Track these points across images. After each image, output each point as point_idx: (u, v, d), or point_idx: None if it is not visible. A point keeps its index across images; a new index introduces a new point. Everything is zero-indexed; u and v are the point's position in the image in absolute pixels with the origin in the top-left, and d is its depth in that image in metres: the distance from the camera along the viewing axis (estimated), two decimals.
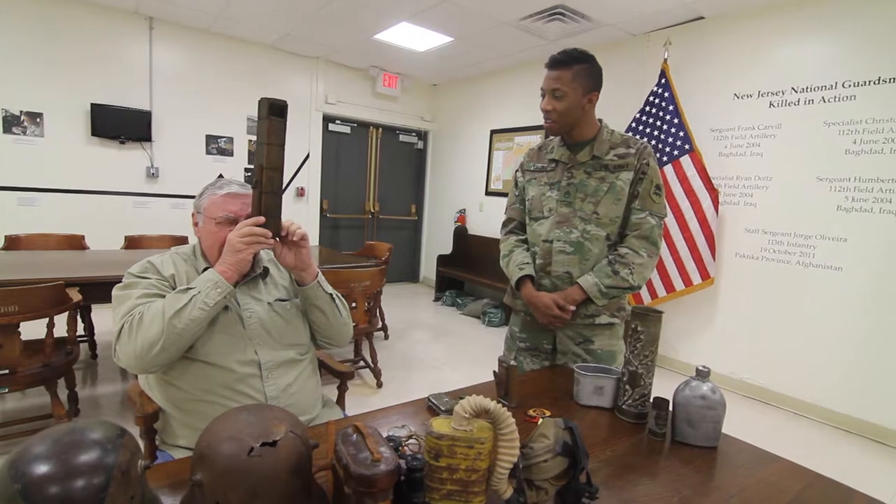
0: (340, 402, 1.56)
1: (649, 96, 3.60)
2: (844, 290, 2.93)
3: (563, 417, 1.17)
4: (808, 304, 3.08)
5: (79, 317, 3.04)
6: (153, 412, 1.19)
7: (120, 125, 4.36)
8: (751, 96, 3.32)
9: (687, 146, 3.44)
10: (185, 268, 1.26)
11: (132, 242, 3.51)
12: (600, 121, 1.61)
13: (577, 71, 1.49)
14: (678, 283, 3.53)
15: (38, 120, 4.06)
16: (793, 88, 3.12)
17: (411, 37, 4.46)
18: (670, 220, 3.49)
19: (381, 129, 6.20)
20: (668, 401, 1.12)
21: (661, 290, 3.59)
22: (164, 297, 1.13)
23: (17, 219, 3.95)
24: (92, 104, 4.22)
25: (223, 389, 1.18)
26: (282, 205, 1.17)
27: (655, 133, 3.55)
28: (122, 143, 4.43)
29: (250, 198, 1.23)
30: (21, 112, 3.99)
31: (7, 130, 3.95)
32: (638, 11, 3.53)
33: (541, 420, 1.17)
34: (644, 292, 3.65)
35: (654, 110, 3.57)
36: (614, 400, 1.26)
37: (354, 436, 0.74)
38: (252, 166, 5.18)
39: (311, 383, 1.35)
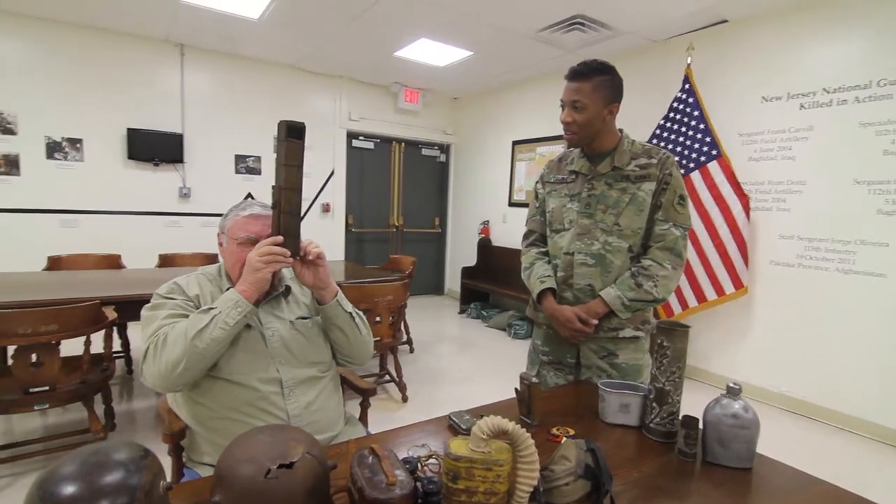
0: (363, 418, 1.56)
1: (673, 102, 3.53)
2: (888, 297, 2.78)
3: (587, 437, 1.14)
4: (849, 312, 2.94)
5: (115, 333, 3.15)
6: (180, 430, 1.22)
7: (154, 148, 4.55)
8: (780, 99, 3.22)
9: (714, 152, 3.36)
10: (210, 288, 1.29)
11: (165, 261, 3.63)
12: (621, 131, 1.59)
13: (597, 83, 1.48)
14: (710, 293, 3.42)
15: (78, 145, 4.27)
16: (824, 89, 3.01)
17: (431, 52, 4.52)
18: (699, 228, 3.40)
19: (403, 144, 6.27)
20: (697, 419, 1.08)
21: (691, 301, 3.49)
22: (188, 316, 1.16)
23: (59, 240, 4.14)
24: (128, 129, 4.41)
25: (246, 407, 1.19)
26: (300, 224, 1.19)
27: (681, 140, 3.48)
28: (156, 164, 4.61)
29: (269, 221, 1.26)
30: (62, 138, 4.21)
31: (50, 156, 4.17)
32: (659, 18, 3.49)
33: (564, 440, 1.15)
34: (674, 303, 3.55)
35: (678, 116, 3.50)
36: (641, 418, 1.22)
37: (370, 458, 0.74)
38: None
39: (334, 401, 1.36)
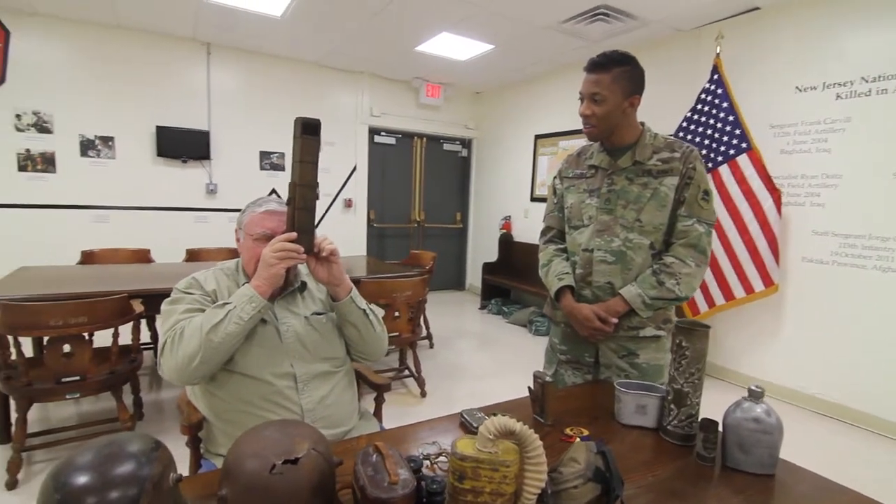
0: (378, 414, 1.57)
1: (701, 94, 3.42)
2: None
3: (602, 438, 1.12)
4: (887, 312, 2.80)
5: (144, 325, 3.25)
6: (197, 421, 1.25)
7: (182, 145, 4.66)
8: (815, 89, 3.08)
9: (744, 144, 3.24)
10: (227, 283, 1.31)
11: (192, 255, 3.72)
12: (642, 124, 1.54)
13: (616, 74, 1.43)
14: (738, 291, 3.31)
15: (110, 143, 4.41)
16: (863, 78, 2.86)
17: (452, 46, 4.49)
18: (728, 224, 3.29)
19: (425, 139, 6.26)
20: (716, 423, 1.04)
21: (718, 298, 3.38)
22: (204, 311, 1.18)
23: (92, 235, 4.29)
24: (157, 127, 4.53)
25: (261, 401, 1.21)
26: (315, 221, 1.20)
27: (709, 132, 3.36)
28: (184, 161, 4.73)
29: (285, 216, 1.28)
30: (95, 136, 4.35)
31: (84, 154, 4.32)
32: (686, 6, 3.38)
33: (577, 440, 1.13)
34: (700, 301, 3.45)
35: (706, 108, 3.38)
36: (659, 420, 1.18)
37: (374, 456, 0.73)
38: None
39: (347, 395, 1.36)
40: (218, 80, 4.84)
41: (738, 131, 3.25)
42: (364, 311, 1.35)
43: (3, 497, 1.96)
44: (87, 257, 3.41)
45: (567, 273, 1.60)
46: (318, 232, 1.24)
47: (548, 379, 1.19)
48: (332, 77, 5.45)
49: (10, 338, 1.96)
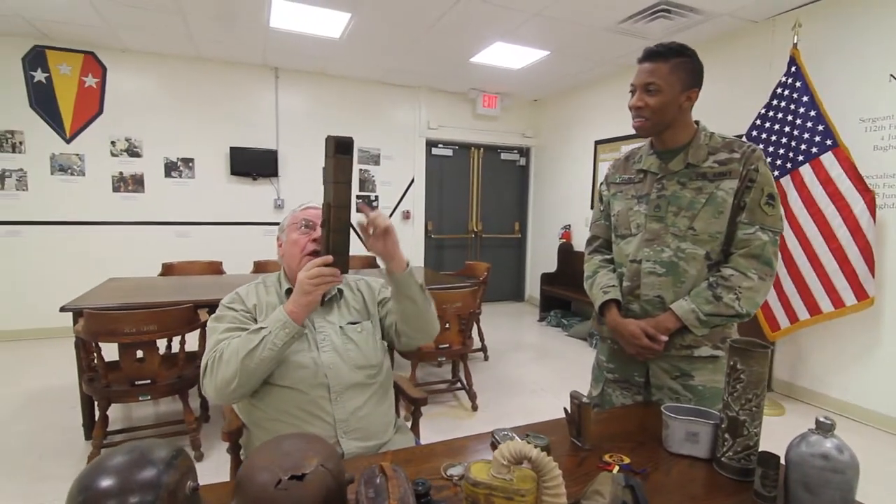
0: (415, 428, 1.55)
1: (777, 88, 3.13)
2: None
3: (645, 468, 1.03)
4: None
5: None
6: (237, 429, 1.29)
7: (252, 164, 4.98)
8: None
9: (829, 141, 2.92)
10: (267, 298, 1.35)
11: (259, 267, 3.94)
12: (697, 123, 1.42)
13: (675, 64, 1.32)
14: (825, 305, 2.96)
15: (190, 164, 4.80)
16: None
17: (506, 55, 4.46)
18: (811, 230, 2.97)
19: (482, 150, 6.25)
20: (777, 457, 0.92)
21: (802, 313, 3.05)
22: (243, 331, 1.22)
23: (174, 249, 4.67)
24: (230, 147, 4.88)
25: (296, 410, 1.23)
26: (349, 241, 1.19)
27: (787, 129, 3.07)
28: (255, 178, 5.05)
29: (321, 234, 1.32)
30: (178, 159, 4.76)
31: (168, 175, 4.74)
32: None
33: (616, 468, 1.04)
34: (780, 315, 3.12)
35: (783, 104, 3.09)
36: (712, 450, 1.07)
37: (378, 478, 0.71)
38: (362, 195, 5.58)
39: (383, 407, 1.36)
40: (285, 102, 5.14)
41: (821, 127, 2.94)
42: (421, 285, 1.34)
43: None
44: (168, 269, 3.71)
45: (613, 286, 1.50)
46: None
47: (584, 400, 1.11)
48: (391, 93, 5.60)
49: (93, 343, 2.15)
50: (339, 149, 1.07)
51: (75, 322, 2.26)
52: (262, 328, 1.18)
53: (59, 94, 4.32)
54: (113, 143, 4.53)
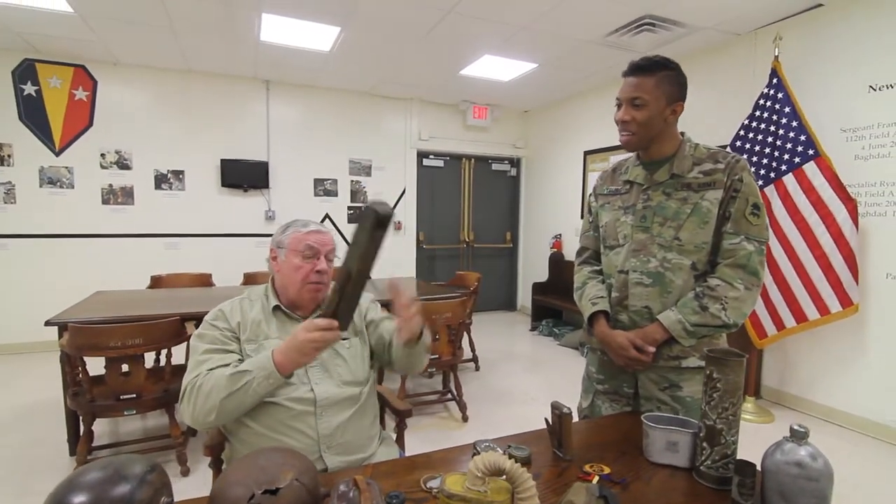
0: (400, 440, 1.54)
1: (759, 99, 3.19)
2: None
3: (624, 478, 1.03)
4: None
5: None
6: (220, 443, 1.28)
7: (243, 175, 4.98)
8: (892, 87, 2.78)
9: (811, 151, 2.97)
10: (252, 314, 1.33)
11: (249, 279, 3.92)
12: (682, 134, 1.44)
13: (660, 77, 1.34)
14: (811, 312, 2.99)
15: (180, 176, 4.80)
16: None
17: (495, 68, 4.52)
18: (796, 239, 3.01)
19: (473, 160, 6.30)
20: (753, 465, 0.93)
21: (788, 320, 3.08)
22: (225, 352, 1.23)
23: (163, 261, 4.65)
24: (221, 159, 4.88)
25: (279, 425, 1.22)
26: (357, 305, 1.16)
27: (770, 140, 3.12)
28: (245, 190, 5.05)
29: (329, 236, 1.36)
30: (168, 171, 4.75)
31: (158, 187, 4.73)
32: (739, 8, 3.19)
33: (596, 478, 1.05)
34: (767, 323, 3.15)
35: (766, 115, 3.14)
36: (692, 459, 1.08)
37: (351, 492, 0.71)
38: (355, 205, 5.59)
39: (366, 421, 1.36)
40: (276, 114, 5.16)
41: (803, 137, 2.99)
42: (427, 346, 1.37)
43: None
44: (156, 282, 3.69)
45: (601, 297, 1.50)
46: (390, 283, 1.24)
47: (565, 410, 1.12)
48: (382, 105, 5.64)
49: (78, 357, 2.13)
50: (379, 222, 0.99)
51: (60, 336, 2.24)
52: (246, 371, 1.15)
53: (48, 107, 4.32)
54: (103, 155, 4.52)
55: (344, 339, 1.37)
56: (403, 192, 5.83)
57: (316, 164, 5.38)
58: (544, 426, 1.24)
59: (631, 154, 1.53)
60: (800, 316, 3.04)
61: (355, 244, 1.02)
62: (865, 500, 2.22)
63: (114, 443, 2.53)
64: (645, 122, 1.35)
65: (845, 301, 2.87)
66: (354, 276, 1.05)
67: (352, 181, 5.56)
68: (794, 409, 3.25)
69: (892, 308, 2.81)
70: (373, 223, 0.98)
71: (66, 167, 4.41)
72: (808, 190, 2.97)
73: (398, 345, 1.34)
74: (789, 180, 3.04)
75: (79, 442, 2.21)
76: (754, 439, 2.42)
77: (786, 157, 3.05)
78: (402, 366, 1.41)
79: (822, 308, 2.94)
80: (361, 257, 1.02)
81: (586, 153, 5.34)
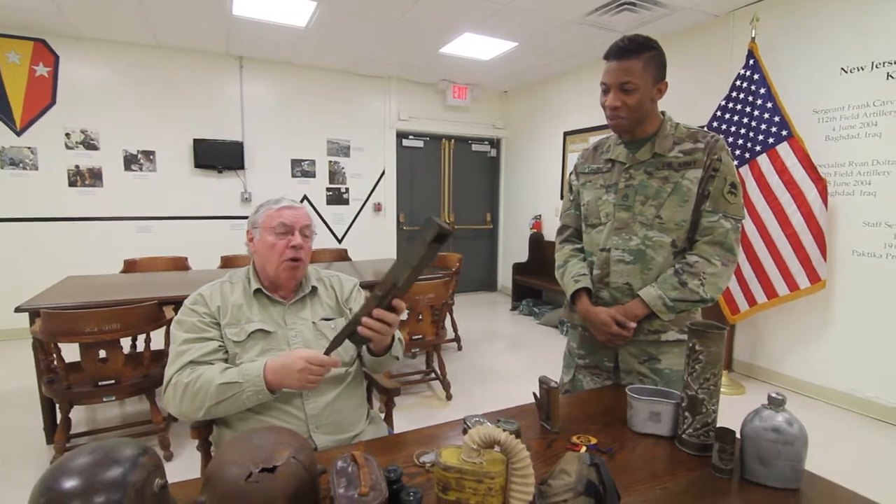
0: (388, 418, 1.56)
1: (736, 81, 3.24)
2: None
3: (610, 447, 1.07)
4: None
5: None
6: (207, 425, 1.27)
7: (217, 156, 4.84)
8: (863, 69, 2.86)
9: (784, 132, 3.04)
10: (233, 297, 1.31)
11: (227, 262, 3.85)
12: (663, 113, 1.45)
13: (647, 59, 1.33)
14: (781, 288, 3.11)
15: (151, 157, 4.64)
16: None
17: (476, 46, 4.46)
18: (768, 217, 3.10)
19: (453, 141, 6.25)
20: (733, 432, 0.97)
21: (760, 296, 3.19)
22: (205, 340, 1.21)
23: (136, 244, 4.52)
24: (194, 139, 4.73)
25: (267, 408, 1.22)
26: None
27: (745, 121, 3.18)
28: (220, 171, 4.91)
29: (302, 211, 1.34)
30: (138, 151, 4.58)
31: (127, 168, 4.56)
32: None
33: (583, 449, 1.08)
34: (740, 299, 3.26)
35: (742, 95, 3.20)
36: (674, 428, 1.12)
37: (350, 466, 0.72)
38: (333, 186, 5.50)
39: (354, 401, 1.36)
40: (250, 92, 5.00)
41: (777, 118, 3.06)
42: (396, 357, 1.35)
43: None
44: (130, 266, 3.58)
45: (584, 275, 1.53)
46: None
47: (552, 384, 1.14)
48: (360, 83, 5.52)
49: (52, 344, 2.07)
50: (439, 238, 0.97)
51: (32, 322, 2.17)
52: (236, 383, 1.14)
53: (7, 85, 4.09)
54: (67, 135, 4.32)
55: (328, 320, 1.37)
56: (383, 173, 5.77)
57: (293, 145, 5.26)
58: (528, 401, 1.27)
59: (611, 132, 1.54)
60: (770, 292, 3.15)
61: (409, 255, 1.01)
62: (836, 464, 2.35)
63: (93, 430, 2.48)
64: (636, 106, 1.35)
65: (814, 277, 2.99)
66: (400, 286, 1.04)
67: (330, 162, 5.46)
68: (765, 382, 3.40)
69: (857, 283, 2.94)
70: (434, 237, 0.96)
71: (29, 147, 4.21)
72: (781, 171, 3.05)
73: (366, 353, 1.33)
74: (763, 161, 3.11)
75: (56, 430, 2.16)
76: (727, 411, 2.52)
77: (760, 137, 3.12)
78: (369, 367, 1.40)
79: (792, 284, 3.06)
80: (413, 268, 1.01)
81: (566, 134, 5.36)
